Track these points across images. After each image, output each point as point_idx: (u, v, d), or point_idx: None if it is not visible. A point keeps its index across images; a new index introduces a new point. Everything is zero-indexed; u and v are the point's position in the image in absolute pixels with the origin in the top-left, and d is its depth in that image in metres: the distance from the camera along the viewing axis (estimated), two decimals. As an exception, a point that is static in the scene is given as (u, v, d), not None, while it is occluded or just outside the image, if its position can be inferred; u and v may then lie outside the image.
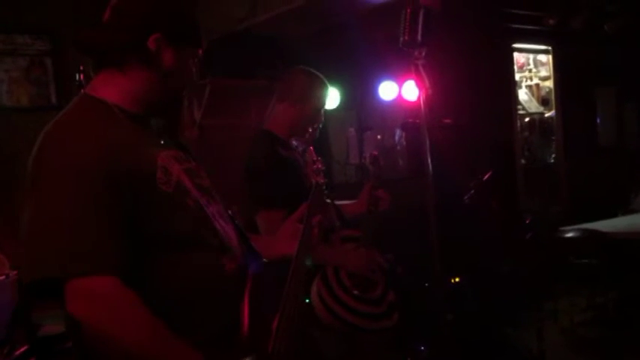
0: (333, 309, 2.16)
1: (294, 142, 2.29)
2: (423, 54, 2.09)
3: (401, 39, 2.13)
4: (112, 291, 1.14)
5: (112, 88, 1.30)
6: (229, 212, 1.45)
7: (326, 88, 2.42)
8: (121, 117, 1.28)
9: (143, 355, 1.16)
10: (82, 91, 1.34)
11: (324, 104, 2.43)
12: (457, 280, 3.84)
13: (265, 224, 2.14)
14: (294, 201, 2.11)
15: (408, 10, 2.05)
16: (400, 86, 4.22)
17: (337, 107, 4.61)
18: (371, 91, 4.58)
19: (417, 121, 2.47)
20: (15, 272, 2.34)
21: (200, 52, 1.40)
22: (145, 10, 1.31)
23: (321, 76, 2.43)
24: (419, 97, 2.24)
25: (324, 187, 1.74)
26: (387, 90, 4.44)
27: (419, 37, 2.05)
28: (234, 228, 1.43)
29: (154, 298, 1.18)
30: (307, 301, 2.17)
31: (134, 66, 1.30)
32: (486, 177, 3.05)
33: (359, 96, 4.84)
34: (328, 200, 2.44)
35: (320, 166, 1.75)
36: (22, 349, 2.30)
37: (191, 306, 1.26)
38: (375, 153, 2.57)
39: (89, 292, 1.13)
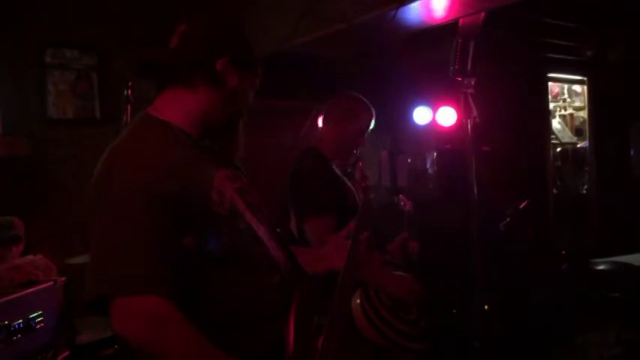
0: (374, 321, 2.20)
1: (335, 168, 2.36)
2: (473, 83, 2.12)
3: (451, 68, 2.16)
4: (159, 310, 1.16)
5: (176, 109, 1.36)
6: (277, 230, 1.48)
7: (371, 114, 2.51)
8: (182, 139, 1.33)
9: None
10: (145, 111, 1.39)
11: (366, 128, 2.50)
12: (486, 307, 3.81)
13: (314, 231, 2.20)
14: (341, 211, 2.16)
15: (460, 40, 2.09)
16: (434, 111, 4.26)
17: (371, 130, 4.66)
18: (405, 115, 4.61)
19: (455, 147, 2.50)
20: (62, 278, 2.41)
21: (258, 81, 1.47)
22: (213, 36, 1.40)
23: (367, 102, 2.51)
24: (462, 124, 2.27)
25: (372, 203, 1.78)
26: (421, 115, 4.48)
27: (469, 67, 2.09)
28: (282, 247, 1.46)
29: (202, 317, 1.20)
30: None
31: (202, 84, 1.37)
32: (523, 205, 3.04)
33: (393, 119, 4.87)
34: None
35: (369, 182, 1.79)
36: (65, 355, 2.36)
37: (238, 326, 1.28)
38: (403, 196, 2.65)
39: (137, 311, 1.15)
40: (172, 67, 1.38)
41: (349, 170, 2.56)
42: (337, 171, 2.46)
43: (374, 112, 2.52)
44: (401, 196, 2.69)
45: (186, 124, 1.37)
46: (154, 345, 1.15)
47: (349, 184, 2.45)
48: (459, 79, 2.16)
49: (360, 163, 1.90)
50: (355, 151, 2.50)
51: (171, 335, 1.16)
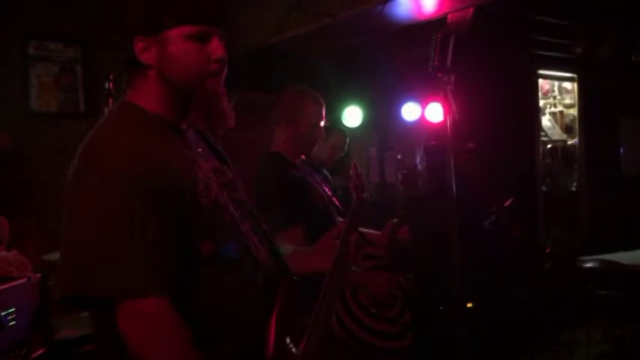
0: (347, 326, 2.16)
1: (300, 166, 2.29)
2: (452, 79, 2.09)
3: (431, 63, 2.13)
4: (162, 313, 1.13)
5: (143, 98, 1.29)
6: (263, 227, 1.43)
7: (317, 102, 2.38)
8: (160, 125, 1.28)
9: None
10: (123, 98, 1.33)
11: (318, 119, 2.39)
12: (472, 304, 3.80)
13: (285, 244, 2.14)
14: (309, 218, 2.11)
15: (439, 36, 2.06)
16: (423, 108, 4.23)
17: (359, 126, 4.64)
18: (393, 111, 4.59)
19: (440, 144, 2.47)
20: (37, 275, 2.37)
21: (192, 28, 1.25)
22: (124, 22, 1.29)
23: (312, 91, 2.40)
24: (444, 121, 2.24)
25: (365, 203, 1.73)
26: (410, 111, 4.46)
27: (448, 63, 2.06)
28: (267, 245, 1.41)
29: (185, 310, 1.17)
30: None
31: (138, 75, 1.30)
32: (507, 203, 3.03)
33: (381, 116, 4.85)
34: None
35: (361, 181, 1.74)
36: (39, 352, 2.32)
37: (220, 321, 1.25)
38: (405, 172, 2.54)
39: (140, 314, 1.12)
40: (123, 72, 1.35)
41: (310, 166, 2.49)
42: (304, 171, 2.39)
43: (321, 99, 2.39)
44: (403, 171, 2.56)
45: (161, 110, 1.30)
46: (151, 349, 1.13)
47: (316, 182, 2.39)
48: (439, 75, 2.12)
49: (355, 162, 1.84)
50: (332, 150, 2.42)
51: (169, 340, 1.14)
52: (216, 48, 1.28)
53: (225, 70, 1.32)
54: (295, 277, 1.43)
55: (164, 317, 1.13)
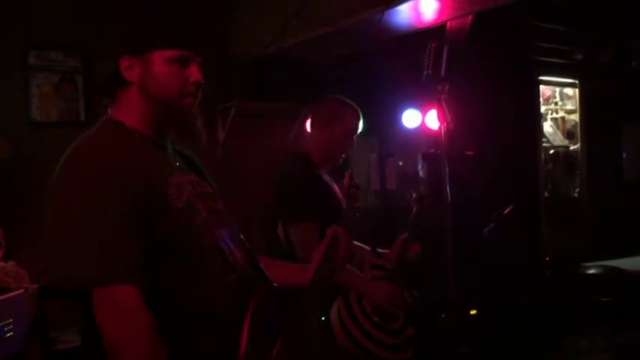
0: (350, 331, 2.17)
1: (323, 173, 2.33)
2: (446, 88, 2.10)
3: (424, 73, 2.14)
4: (131, 300, 1.19)
5: (125, 113, 1.40)
6: (241, 237, 1.48)
7: (356, 115, 2.48)
8: (139, 139, 1.38)
9: None
10: (107, 115, 1.43)
11: (354, 130, 2.47)
12: (474, 312, 3.79)
13: (298, 237, 2.18)
14: (326, 217, 2.14)
15: (434, 45, 2.06)
16: (424, 114, 4.23)
17: (359, 133, 4.64)
18: (394, 118, 4.59)
19: (438, 151, 2.48)
20: (34, 286, 2.37)
21: (174, 52, 1.39)
22: (117, 42, 1.44)
23: (354, 104, 2.49)
24: (440, 129, 2.25)
25: (356, 212, 1.77)
26: (411, 118, 4.46)
27: (442, 72, 2.07)
28: (244, 251, 1.46)
29: (155, 309, 1.22)
30: (323, 319, 2.18)
31: (122, 90, 1.41)
32: (507, 211, 3.02)
33: (382, 123, 4.84)
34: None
35: (356, 190, 1.78)
36: (37, 364, 2.32)
37: (188, 323, 1.29)
38: (419, 191, 2.59)
39: (111, 300, 1.18)
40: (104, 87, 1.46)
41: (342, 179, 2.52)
42: (325, 176, 2.43)
43: (360, 114, 2.49)
44: (417, 191, 2.60)
45: (141, 125, 1.40)
46: (119, 334, 1.17)
47: (337, 189, 2.43)
48: (433, 84, 2.13)
49: (349, 171, 1.89)
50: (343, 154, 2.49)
51: (136, 327, 1.19)
52: (194, 72, 1.41)
53: (200, 92, 1.44)
54: (274, 283, 1.46)
55: (131, 304, 1.19)
